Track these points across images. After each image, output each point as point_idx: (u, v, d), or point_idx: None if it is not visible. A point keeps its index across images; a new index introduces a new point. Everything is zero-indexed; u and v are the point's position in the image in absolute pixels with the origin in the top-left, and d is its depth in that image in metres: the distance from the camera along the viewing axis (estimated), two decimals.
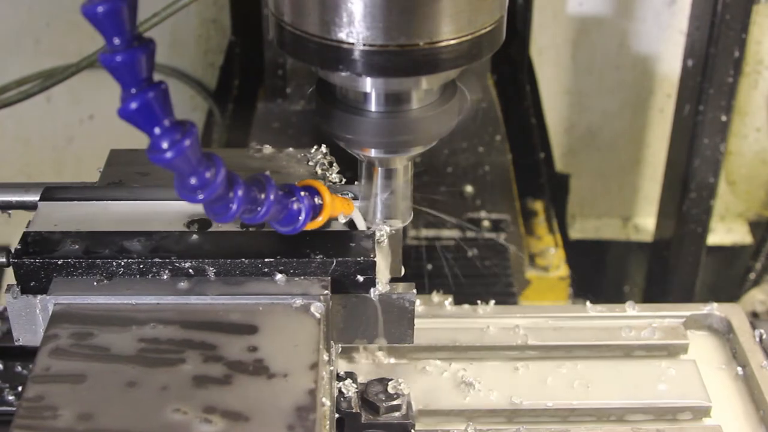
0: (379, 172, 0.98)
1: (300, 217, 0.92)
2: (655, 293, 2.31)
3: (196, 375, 0.85)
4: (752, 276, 2.40)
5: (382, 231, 0.99)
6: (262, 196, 0.87)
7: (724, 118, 2.03)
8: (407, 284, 0.98)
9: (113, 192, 1.05)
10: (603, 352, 1.18)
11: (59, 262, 0.94)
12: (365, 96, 0.92)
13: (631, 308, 1.21)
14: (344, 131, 0.94)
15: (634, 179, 2.68)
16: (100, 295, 0.93)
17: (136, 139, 0.80)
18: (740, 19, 1.94)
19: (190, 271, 0.95)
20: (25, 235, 0.97)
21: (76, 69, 1.33)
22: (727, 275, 2.44)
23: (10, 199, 1.07)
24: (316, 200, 0.94)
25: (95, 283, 0.94)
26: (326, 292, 0.93)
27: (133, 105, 0.74)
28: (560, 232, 2.07)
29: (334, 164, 1.08)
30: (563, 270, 1.98)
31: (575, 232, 2.67)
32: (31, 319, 0.96)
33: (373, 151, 0.96)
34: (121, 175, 1.09)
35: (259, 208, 0.87)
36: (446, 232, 1.89)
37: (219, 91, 2.37)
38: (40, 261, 0.94)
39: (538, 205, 2.09)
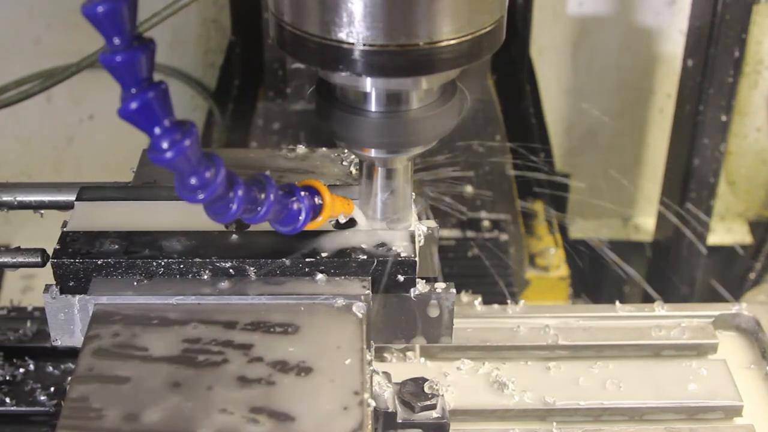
0: (379, 172, 0.98)
1: (300, 217, 0.92)
2: (655, 293, 2.31)
3: (240, 375, 0.85)
4: (752, 276, 2.40)
5: (419, 231, 0.99)
6: (262, 196, 0.87)
7: (724, 118, 2.03)
8: (446, 284, 0.98)
9: (149, 191, 1.05)
10: (633, 351, 1.18)
11: (99, 262, 0.94)
12: (365, 96, 0.92)
13: (659, 308, 1.22)
14: (344, 131, 0.94)
15: (634, 179, 2.68)
16: (141, 295, 0.93)
17: (136, 139, 0.80)
18: (740, 19, 1.94)
19: (231, 271, 0.94)
20: (64, 235, 0.97)
21: (76, 69, 1.33)
22: (727, 275, 2.44)
23: (43, 199, 1.07)
24: (316, 200, 0.94)
25: (135, 283, 0.94)
26: (367, 291, 0.93)
27: (133, 105, 0.74)
28: (560, 232, 2.07)
29: None
30: (563, 270, 1.98)
31: (575, 232, 2.67)
32: (69, 319, 0.95)
33: (373, 151, 0.96)
34: (155, 175, 1.09)
35: (259, 208, 0.87)
36: (446, 232, 1.89)
37: (219, 91, 2.37)
38: (79, 261, 0.94)
39: (538, 205, 2.09)
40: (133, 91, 0.74)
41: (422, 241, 0.99)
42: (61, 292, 0.95)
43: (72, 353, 1.14)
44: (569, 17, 2.49)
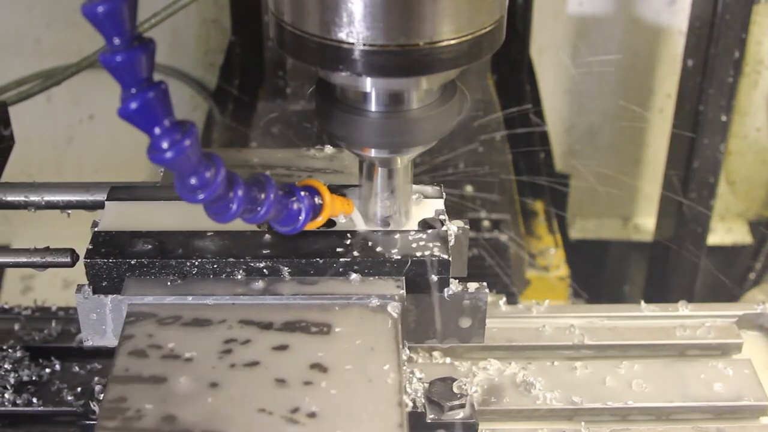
0: (379, 172, 0.98)
1: (300, 217, 0.92)
2: (655, 293, 2.31)
3: (276, 375, 0.85)
4: (752, 276, 2.40)
5: (451, 231, 0.99)
6: (262, 196, 0.87)
7: (724, 118, 2.03)
8: (479, 284, 0.98)
9: None
10: (657, 351, 1.18)
11: (132, 262, 0.94)
12: (365, 96, 0.92)
13: (683, 308, 1.22)
14: (344, 131, 0.94)
15: (634, 179, 2.68)
16: (175, 295, 0.93)
17: (136, 139, 0.80)
18: (740, 19, 1.94)
19: (265, 270, 0.95)
20: (96, 235, 0.97)
21: (76, 69, 1.33)
22: (727, 275, 2.44)
23: (70, 199, 1.07)
24: (316, 200, 0.94)
25: (169, 284, 0.94)
26: (402, 291, 0.93)
27: (133, 105, 0.74)
28: (560, 232, 2.07)
29: None
30: (563, 270, 1.98)
31: (575, 232, 2.67)
32: (101, 319, 0.95)
33: (373, 151, 0.96)
34: None
35: (259, 208, 0.87)
36: None
37: (219, 91, 2.37)
38: (113, 261, 0.94)
39: (538, 205, 2.09)
40: (133, 91, 0.74)
41: (453, 240, 0.99)
42: (94, 292, 0.95)
43: (97, 353, 1.15)
44: (569, 17, 2.49)
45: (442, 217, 1.01)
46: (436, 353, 1.15)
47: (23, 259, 1.01)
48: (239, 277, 0.94)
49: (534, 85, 2.37)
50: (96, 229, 0.98)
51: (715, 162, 2.08)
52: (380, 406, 0.82)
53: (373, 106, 0.92)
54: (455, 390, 1.00)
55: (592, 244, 2.65)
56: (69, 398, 1.11)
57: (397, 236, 0.98)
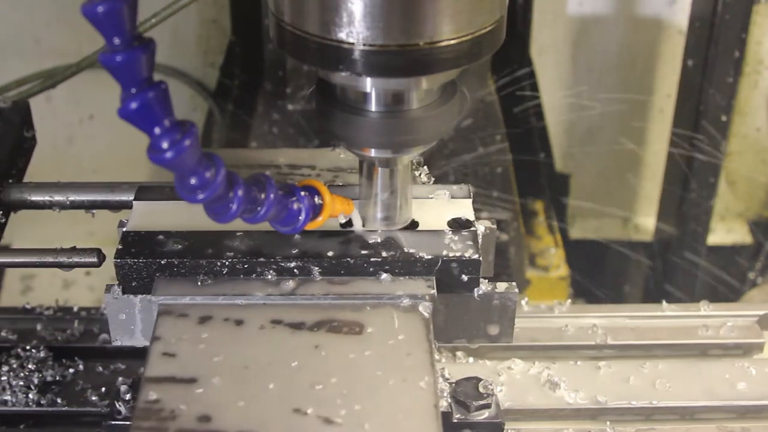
0: (379, 172, 0.98)
1: (300, 217, 0.92)
2: (655, 293, 2.31)
3: (310, 375, 0.85)
4: (752, 276, 2.40)
5: (478, 230, 0.99)
6: (262, 196, 0.87)
7: (724, 118, 2.03)
8: (508, 283, 0.98)
9: None
10: (680, 350, 1.19)
11: (163, 262, 0.94)
12: (365, 96, 0.92)
13: (705, 307, 1.22)
14: (344, 131, 0.94)
15: (634, 179, 2.68)
16: (206, 295, 0.93)
17: (136, 139, 0.80)
18: (740, 19, 1.94)
19: (295, 270, 0.94)
20: (125, 235, 0.97)
21: (76, 69, 1.33)
22: (727, 275, 2.44)
23: (95, 199, 1.07)
24: (316, 200, 0.94)
25: (199, 283, 0.94)
26: (433, 291, 0.93)
27: (133, 105, 0.74)
28: (560, 232, 2.07)
29: (423, 163, 1.08)
30: (563, 270, 1.98)
31: (575, 232, 2.67)
32: (130, 319, 0.95)
33: (373, 151, 0.96)
34: None
35: (259, 208, 0.87)
36: None
37: (219, 91, 2.37)
38: (143, 261, 0.94)
39: (538, 205, 2.09)
40: (133, 91, 0.74)
41: (480, 240, 0.99)
42: (123, 293, 0.95)
43: (120, 354, 1.16)
44: (569, 17, 2.49)
45: (470, 216, 1.01)
46: (459, 353, 1.16)
47: (50, 259, 1.01)
48: (270, 277, 0.94)
49: (534, 85, 2.37)
50: (124, 229, 0.98)
51: (715, 162, 2.08)
52: (415, 408, 0.82)
53: (373, 106, 0.92)
54: (481, 389, 1.00)
55: (592, 244, 2.65)
56: (93, 398, 1.11)
57: (426, 236, 0.98)
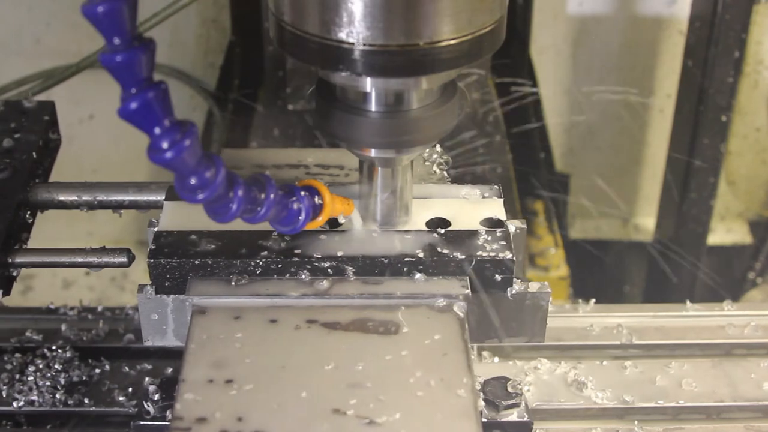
0: (379, 172, 0.98)
1: (300, 217, 0.92)
2: (655, 293, 2.31)
3: (347, 375, 0.85)
4: (752, 276, 2.40)
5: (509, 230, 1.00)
6: (262, 196, 0.87)
7: (724, 118, 2.03)
8: (540, 283, 0.98)
9: None
10: (705, 350, 1.19)
11: (197, 262, 0.94)
12: (365, 96, 0.92)
13: (728, 306, 1.23)
14: (344, 131, 0.94)
15: (634, 179, 2.68)
16: (241, 295, 0.93)
17: (136, 139, 0.80)
18: (740, 19, 1.94)
19: (329, 270, 0.94)
20: (158, 235, 0.97)
21: (76, 69, 1.33)
22: (727, 275, 2.44)
23: (123, 199, 1.07)
24: (316, 200, 0.94)
25: (233, 283, 0.94)
26: (467, 291, 0.93)
27: (133, 105, 0.74)
28: (560, 232, 2.07)
29: (451, 163, 1.09)
30: (563, 270, 1.98)
31: (575, 232, 2.67)
32: (163, 319, 0.95)
33: (373, 151, 0.96)
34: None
35: (259, 208, 0.87)
36: None
37: (219, 91, 2.37)
38: (177, 261, 0.94)
39: (538, 205, 2.09)
40: (133, 91, 0.74)
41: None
42: (156, 293, 0.95)
43: (146, 354, 1.16)
44: (569, 17, 2.49)
45: (501, 216, 1.01)
46: (485, 352, 1.16)
47: (79, 259, 1.01)
48: (303, 276, 0.94)
49: (534, 85, 2.37)
50: (156, 229, 0.98)
51: (715, 162, 2.08)
52: (456, 409, 0.82)
53: (373, 106, 0.92)
54: (509, 389, 1.00)
55: (592, 244, 2.65)
56: (120, 398, 1.11)
57: (459, 235, 0.98)
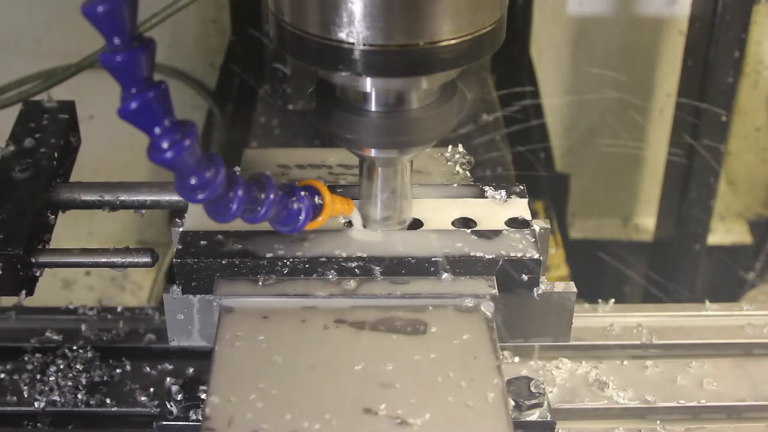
0: (379, 172, 0.98)
1: (300, 217, 0.92)
2: (655, 293, 2.31)
3: (377, 375, 0.84)
4: (752, 276, 2.40)
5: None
6: (262, 196, 0.87)
7: (724, 118, 2.03)
8: (566, 282, 0.98)
9: None
10: (724, 350, 1.20)
11: (224, 262, 0.94)
12: (365, 96, 0.92)
13: (747, 306, 1.24)
14: (344, 131, 0.94)
15: (634, 179, 2.68)
16: (269, 295, 0.92)
17: (136, 139, 0.80)
18: (740, 19, 1.94)
19: (356, 270, 0.94)
20: (184, 235, 0.97)
21: (76, 69, 1.32)
22: (727, 275, 2.44)
23: (146, 199, 1.06)
24: (316, 200, 0.94)
25: (260, 283, 0.93)
26: (494, 290, 0.93)
27: (133, 105, 0.74)
28: (560, 232, 2.07)
29: (473, 163, 1.09)
30: (563, 270, 1.98)
31: (575, 232, 2.67)
32: (188, 319, 0.95)
33: (373, 150, 0.96)
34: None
35: (259, 208, 0.87)
36: None
37: (219, 91, 2.37)
38: (204, 261, 0.94)
39: (538, 205, 2.09)
40: (133, 91, 0.74)
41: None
42: (182, 293, 0.95)
43: (166, 354, 1.16)
44: (569, 17, 2.49)
45: (526, 216, 1.01)
46: (506, 352, 1.16)
47: (103, 260, 1.01)
48: (330, 276, 0.94)
49: (534, 85, 2.37)
50: (182, 229, 0.98)
51: (715, 162, 2.08)
52: (486, 408, 0.82)
53: (373, 106, 0.92)
54: (532, 389, 1.00)
55: (592, 244, 2.65)
56: (142, 399, 1.11)
57: (485, 235, 0.98)
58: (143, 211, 1.08)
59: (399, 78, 0.88)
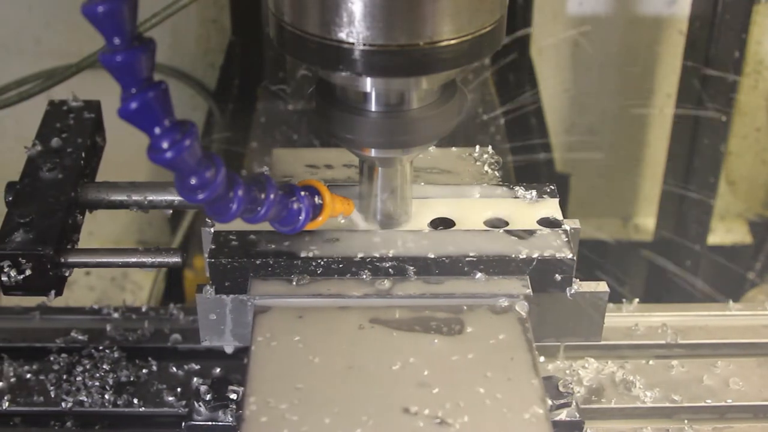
0: (379, 172, 0.98)
1: (300, 217, 0.92)
2: (655, 293, 2.31)
3: (415, 375, 0.84)
4: (752, 276, 2.40)
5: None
6: (262, 195, 0.87)
7: (724, 118, 2.03)
8: (599, 282, 0.98)
9: None
10: (749, 350, 1.20)
11: (258, 262, 0.94)
12: (365, 96, 0.92)
13: None
14: (344, 131, 0.94)
15: (634, 179, 2.68)
16: (303, 296, 0.92)
17: (136, 139, 0.80)
18: (740, 19, 1.94)
19: (390, 270, 0.94)
20: (217, 234, 0.97)
21: (76, 69, 1.33)
22: (727, 275, 2.44)
23: (174, 199, 1.06)
24: (316, 200, 0.94)
25: (294, 283, 0.93)
26: (528, 290, 0.94)
27: (133, 105, 0.74)
28: None
29: (502, 163, 1.09)
30: None
31: None
32: (221, 319, 0.95)
33: (373, 151, 0.96)
34: (291, 173, 1.08)
35: (259, 208, 0.87)
36: None
37: (219, 91, 2.37)
38: (238, 261, 0.94)
39: None
40: (133, 91, 0.74)
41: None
42: (216, 293, 0.95)
43: (193, 354, 1.16)
44: (569, 17, 2.49)
45: (558, 216, 1.01)
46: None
47: (132, 260, 1.00)
48: (365, 276, 0.94)
49: (534, 85, 2.37)
50: (214, 229, 0.98)
51: (715, 162, 2.08)
52: (525, 405, 0.82)
53: (373, 106, 0.92)
54: (560, 389, 1.00)
55: (592, 244, 2.65)
56: (169, 399, 1.11)
57: (518, 235, 0.98)
58: (170, 212, 1.07)
59: (399, 78, 0.88)
